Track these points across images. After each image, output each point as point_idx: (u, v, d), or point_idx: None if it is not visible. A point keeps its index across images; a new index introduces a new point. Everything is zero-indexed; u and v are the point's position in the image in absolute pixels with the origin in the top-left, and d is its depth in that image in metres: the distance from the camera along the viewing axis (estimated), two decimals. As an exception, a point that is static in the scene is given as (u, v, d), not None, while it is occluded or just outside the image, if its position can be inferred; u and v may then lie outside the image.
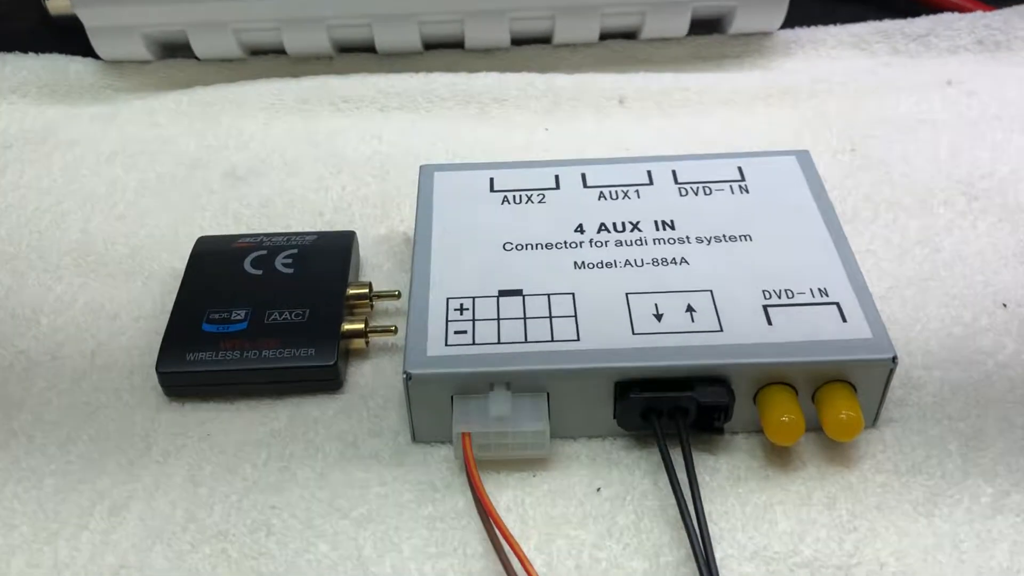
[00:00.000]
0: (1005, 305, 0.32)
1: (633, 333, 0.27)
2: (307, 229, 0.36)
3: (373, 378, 0.30)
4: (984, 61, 0.45)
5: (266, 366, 0.29)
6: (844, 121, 0.41)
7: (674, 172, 0.33)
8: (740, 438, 0.28)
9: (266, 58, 0.45)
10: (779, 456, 0.27)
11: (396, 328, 0.30)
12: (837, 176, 0.38)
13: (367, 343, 0.30)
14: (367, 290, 0.31)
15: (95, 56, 0.44)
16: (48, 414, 0.29)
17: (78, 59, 0.45)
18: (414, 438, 0.28)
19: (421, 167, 0.34)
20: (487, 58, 0.45)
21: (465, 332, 0.27)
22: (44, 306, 0.33)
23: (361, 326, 0.30)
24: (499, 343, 0.27)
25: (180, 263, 0.34)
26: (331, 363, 0.29)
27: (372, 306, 0.32)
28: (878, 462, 0.27)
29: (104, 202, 0.37)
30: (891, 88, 0.43)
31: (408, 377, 0.26)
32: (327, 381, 0.29)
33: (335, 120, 0.42)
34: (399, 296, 0.32)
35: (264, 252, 0.32)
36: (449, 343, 0.27)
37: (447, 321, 0.28)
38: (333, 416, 0.29)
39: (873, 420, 0.28)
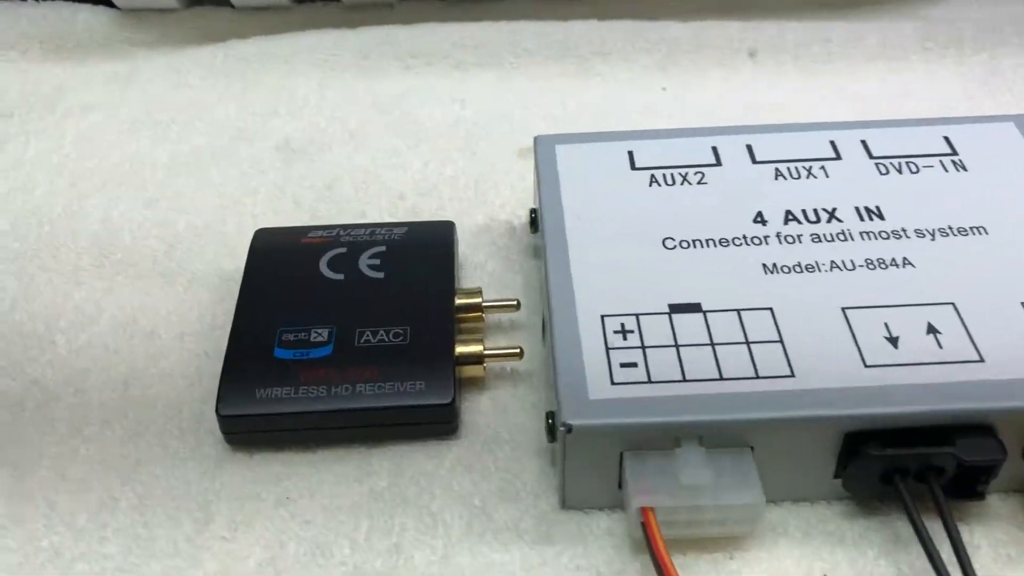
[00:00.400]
0: None
1: (865, 365, 0.20)
2: (387, 217, 0.28)
3: (494, 417, 0.23)
4: None
5: (363, 406, 0.22)
6: (1025, 79, 0.34)
7: (864, 143, 0.26)
8: (995, 500, 0.21)
9: (314, 6, 0.37)
10: (1058, 528, 0.20)
11: (521, 351, 0.23)
12: (1037, 147, 0.31)
13: (484, 369, 0.23)
14: (479, 299, 0.24)
15: (109, 3, 0.37)
16: (73, 470, 0.22)
17: (87, 7, 0.37)
18: (564, 503, 0.21)
19: (537, 139, 0.27)
20: (580, 4, 0.37)
21: (635, 365, 0.20)
22: (60, 320, 0.26)
23: (478, 348, 0.23)
24: (685, 380, 0.20)
25: (232, 262, 0.27)
26: (448, 401, 0.22)
27: (483, 319, 0.25)
28: None
29: (130, 183, 0.30)
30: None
31: (567, 430, 0.19)
32: (441, 424, 0.22)
33: (404, 80, 0.34)
34: (518, 307, 0.25)
35: (344, 250, 0.25)
36: (616, 380, 0.20)
37: (607, 349, 0.21)
38: (450, 471, 0.22)
39: None
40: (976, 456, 0.19)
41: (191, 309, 0.26)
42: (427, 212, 0.29)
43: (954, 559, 0.20)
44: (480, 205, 0.29)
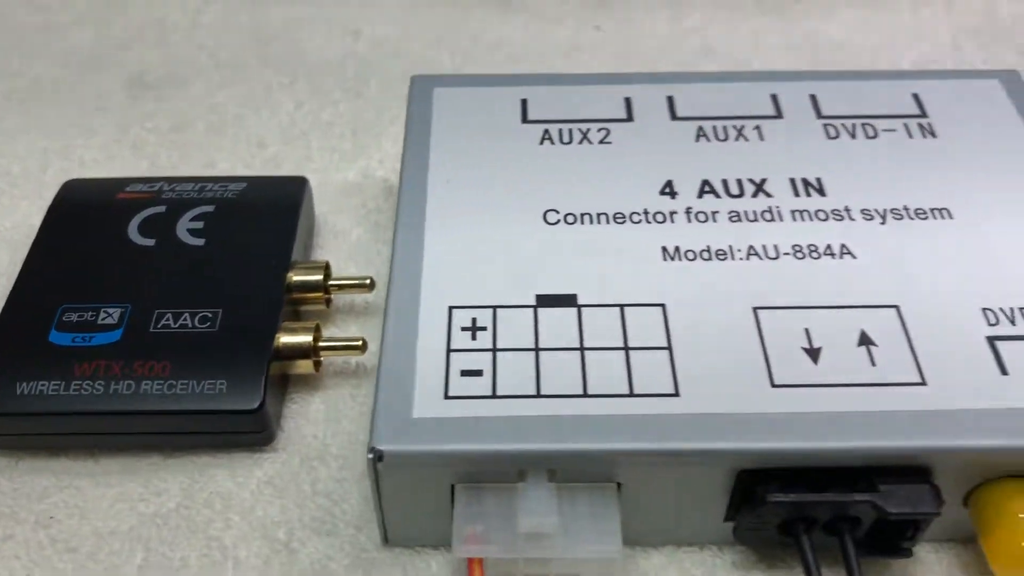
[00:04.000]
0: None
1: (772, 384, 0.16)
2: (241, 168, 0.24)
3: (325, 426, 0.19)
4: None
5: (146, 409, 0.17)
6: (1024, 28, 0.29)
7: (814, 99, 0.21)
8: (927, 552, 0.17)
9: (204, -84, 0.32)
10: (1004, 596, 0.16)
11: (364, 343, 0.19)
12: (1030, 111, 0.26)
13: (318, 366, 0.19)
14: (321, 276, 0.20)
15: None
16: None
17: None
18: (386, 540, 0.17)
19: (413, 79, 0.22)
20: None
21: (479, 373, 0.16)
22: None
23: (308, 339, 0.19)
24: (539, 396, 0.16)
25: (42, 219, 0.22)
26: (253, 407, 0.17)
27: (329, 302, 0.20)
28: None
29: (-57, 118, 0.25)
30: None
31: (377, 458, 0.15)
32: (249, 433, 0.18)
33: (295, 7, 0.29)
34: (372, 286, 0.20)
35: (162, 209, 0.20)
36: (452, 393, 0.16)
37: (449, 350, 0.16)
38: (256, 492, 0.18)
39: None
40: (903, 507, 0.15)
41: (-14, 274, 0.21)
42: (289, 164, 0.24)
43: (870, 633, 0.16)
44: (355, 159, 0.24)
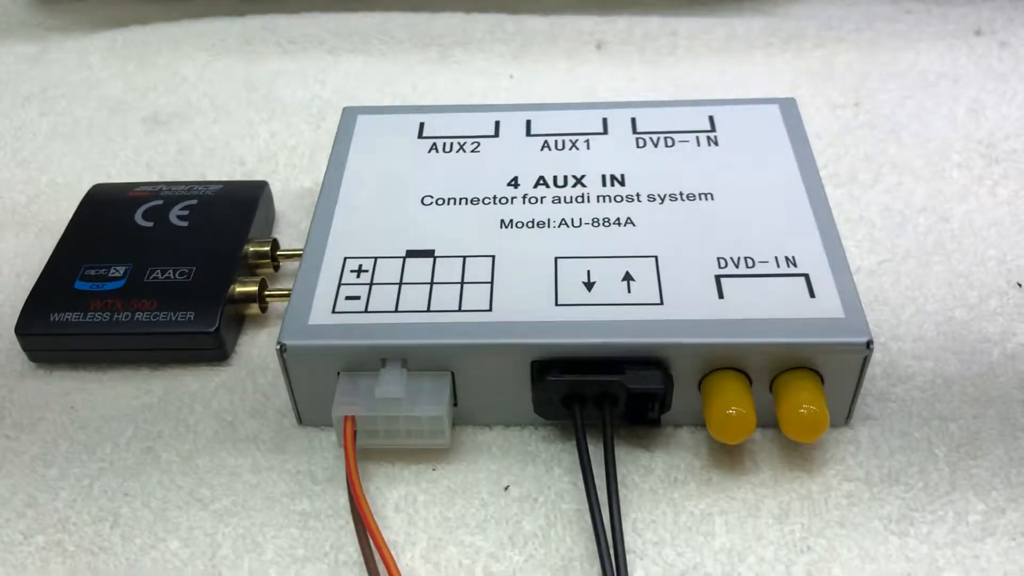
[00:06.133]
0: (1020, 285, 0.26)
1: (556, 304, 0.23)
2: (225, 179, 0.32)
3: (267, 349, 0.26)
4: (1021, 8, 0.39)
5: (138, 331, 0.25)
6: (852, 74, 0.36)
7: (633, 120, 0.29)
8: (684, 432, 0.23)
9: (212, -4, 0.41)
10: (728, 456, 0.23)
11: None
12: (834, 132, 0.33)
13: (263, 309, 0.27)
14: (269, 248, 0.27)
15: (28, -8, 0.41)
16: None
17: (9, -5, 0.42)
18: (300, 420, 0.24)
19: (344, 109, 0.30)
20: (453, -2, 0.41)
21: (358, 298, 0.23)
22: (-77, 257, 0.30)
23: (254, 288, 0.26)
24: (396, 311, 0.23)
25: (76, 214, 0.30)
26: (211, 330, 0.25)
27: (277, 267, 0.28)
28: (847, 467, 0.22)
29: (9, 147, 0.34)
30: (912, 38, 0.38)
31: (282, 349, 0.22)
32: (209, 351, 0.25)
33: (279, 63, 0.38)
34: (308, 256, 0.28)
35: (160, 202, 0.28)
36: (337, 310, 0.23)
37: (339, 284, 0.24)
38: (213, 391, 0.25)
39: (845, 417, 0.23)
40: (640, 384, 0.22)
41: (36, 252, 0.29)
42: (262, 176, 0.32)
43: (632, 478, 0.22)
44: (310, 171, 0.32)
